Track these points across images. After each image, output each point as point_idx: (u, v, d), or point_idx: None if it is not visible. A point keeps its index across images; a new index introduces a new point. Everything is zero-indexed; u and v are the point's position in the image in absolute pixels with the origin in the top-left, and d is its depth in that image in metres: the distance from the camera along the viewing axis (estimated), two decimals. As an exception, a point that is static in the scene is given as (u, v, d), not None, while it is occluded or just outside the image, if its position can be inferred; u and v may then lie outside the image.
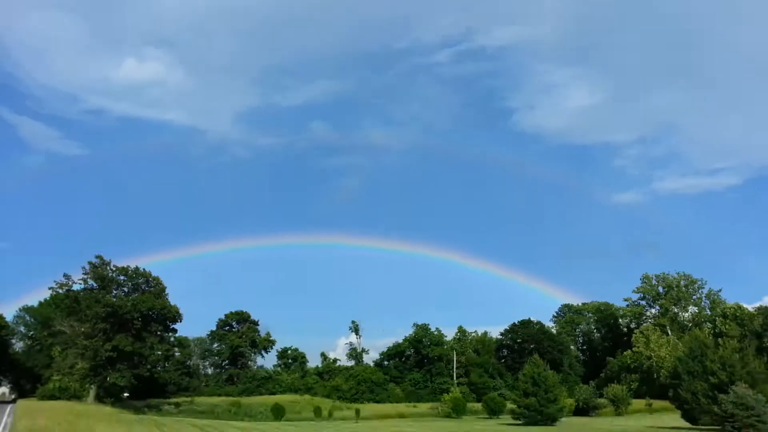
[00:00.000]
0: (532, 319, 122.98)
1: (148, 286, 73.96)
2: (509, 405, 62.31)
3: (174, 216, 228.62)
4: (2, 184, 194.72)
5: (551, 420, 47.23)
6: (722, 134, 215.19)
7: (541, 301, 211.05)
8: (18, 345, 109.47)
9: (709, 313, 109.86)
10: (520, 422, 48.81)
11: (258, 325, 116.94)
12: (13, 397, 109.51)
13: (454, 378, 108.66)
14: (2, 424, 33.90)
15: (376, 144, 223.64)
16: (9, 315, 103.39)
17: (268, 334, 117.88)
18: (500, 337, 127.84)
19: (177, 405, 76.79)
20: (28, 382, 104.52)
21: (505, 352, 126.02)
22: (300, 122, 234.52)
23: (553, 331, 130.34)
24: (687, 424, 40.85)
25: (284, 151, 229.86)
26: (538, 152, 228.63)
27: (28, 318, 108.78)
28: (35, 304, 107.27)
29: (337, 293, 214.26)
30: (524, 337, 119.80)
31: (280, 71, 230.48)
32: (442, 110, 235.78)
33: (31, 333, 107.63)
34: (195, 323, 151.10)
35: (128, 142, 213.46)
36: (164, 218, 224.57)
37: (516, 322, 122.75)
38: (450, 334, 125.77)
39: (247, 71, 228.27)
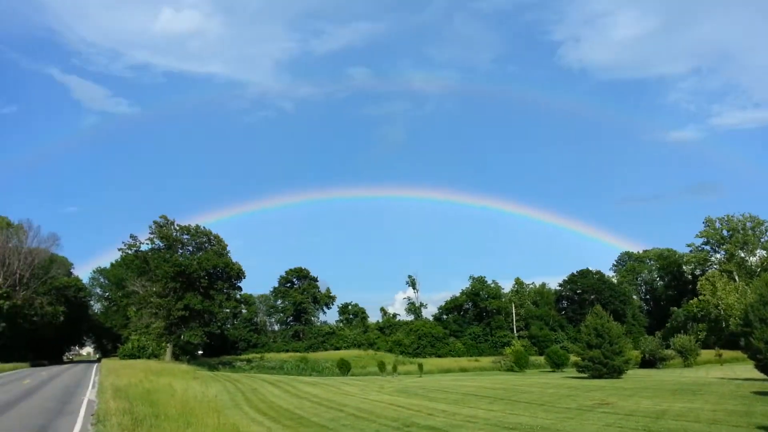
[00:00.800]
0: (590, 268, 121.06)
1: (210, 245, 76.34)
2: (573, 358, 62.04)
3: (224, 173, 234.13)
4: (64, 148, 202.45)
5: (617, 372, 46.85)
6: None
7: (599, 249, 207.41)
8: (96, 306, 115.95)
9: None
10: (585, 375, 48.66)
11: (317, 281, 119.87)
12: (97, 356, 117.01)
13: (515, 331, 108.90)
14: (91, 382, 36.41)
15: (416, 89, 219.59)
16: (85, 278, 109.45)
17: (328, 290, 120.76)
18: (559, 288, 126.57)
19: (248, 361, 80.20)
20: (108, 342, 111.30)
21: (565, 303, 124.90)
22: (339, 69, 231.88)
23: (614, 280, 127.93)
24: (761, 375, 39.60)
25: (325, 102, 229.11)
26: (586, 90, 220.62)
27: (102, 279, 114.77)
28: (107, 265, 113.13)
29: (390, 247, 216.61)
30: (584, 288, 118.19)
31: (316, 14, 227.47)
32: (482, 49, 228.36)
33: (107, 294, 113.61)
34: (256, 281, 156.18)
35: (175, 97, 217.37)
36: (214, 176, 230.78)
37: (575, 272, 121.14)
38: (507, 286, 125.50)
39: (283, 15, 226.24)
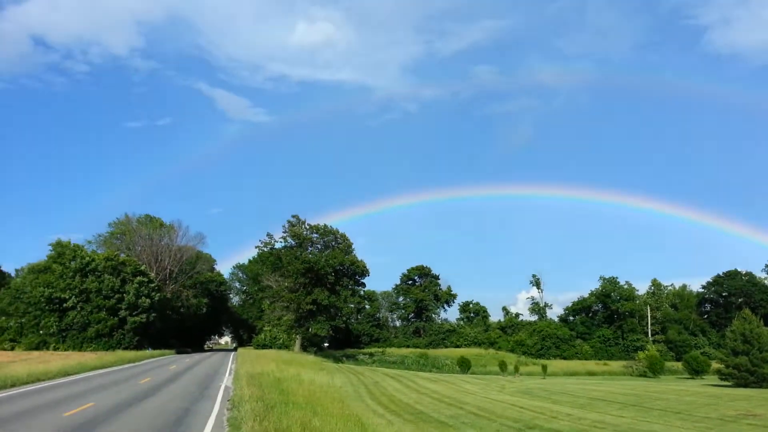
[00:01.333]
0: (739, 269, 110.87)
1: (336, 243, 79.19)
2: (714, 365, 57.17)
3: (351, 174, 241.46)
4: (210, 155, 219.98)
5: (766, 382, 42.62)
6: None
7: (750, 248, 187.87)
8: (234, 299, 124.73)
9: None
10: (728, 383, 44.77)
11: (439, 279, 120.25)
12: (234, 345, 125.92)
13: (649, 335, 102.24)
14: (228, 370, 39.31)
15: (544, 84, 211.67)
16: (225, 273, 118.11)
17: (448, 288, 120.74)
18: (702, 290, 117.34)
19: (371, 355, 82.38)
20: (244, 332, 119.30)
21: (708, 307, 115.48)
22: (464, 68, 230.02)
23: (766, 282, 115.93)
24: None
25: (450, 102, 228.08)
26: (738, 76, 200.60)
27: (240, 274, 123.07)
28: (245, 262, 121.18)
29: (514, 245, 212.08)
30: (731, 290, 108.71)
31: (441, 15, 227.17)
32: (619, 38, 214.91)
33: (244, 288, 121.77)
34: (379, 278, 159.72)
35: (308, 105, 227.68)
36: (343, 177, 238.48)
37: (720, 273, 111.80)
38: (642, 287, 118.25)
39: (409, 19, 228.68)
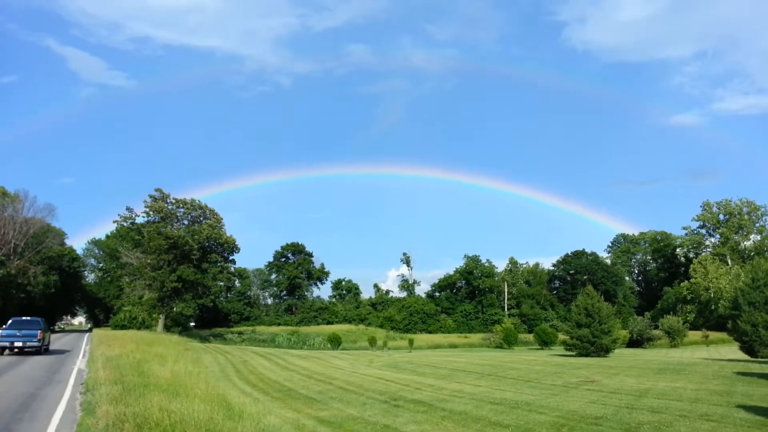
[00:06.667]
0: (585, 249, 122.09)
1: (205, 218, 76.34)
2: (561, 336, 62.76)
3: (221, 148, 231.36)
4: (60, 119, 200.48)
5: (604, 351, 47.42)
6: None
7: (595, 231, 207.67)
8: (90, 277, 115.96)
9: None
10: (572, 353, 49.23)
11: (312, 256, 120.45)
12: (89, 326, 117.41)
13: (506, 309, 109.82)
14: (82, 352, 36.60)
15: (416, 67, 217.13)
16: (79, 248, 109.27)
17: (322, 265, 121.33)
18: (552, 268, 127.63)
19: (240, 334, 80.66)
20: (101, 312, 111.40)
21: (558, 283, 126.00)
22: (338, 46, 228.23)
23: (608, 261, 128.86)
24: (745, 356, 40.21)
25: (324, 78, 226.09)
26: (589, 72, 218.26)
27: (97, 251, 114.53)
28: (102, 237, 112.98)
29: (386, 224, 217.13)
30: (577, 268, 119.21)
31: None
32: (486, 28, 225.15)
33: (101, 265, 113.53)
34: (251, 255, 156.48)
35: (173, 71, 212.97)
36: (211, 150, 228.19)
37: (569, 252, 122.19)
38: (501, 265, 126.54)
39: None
